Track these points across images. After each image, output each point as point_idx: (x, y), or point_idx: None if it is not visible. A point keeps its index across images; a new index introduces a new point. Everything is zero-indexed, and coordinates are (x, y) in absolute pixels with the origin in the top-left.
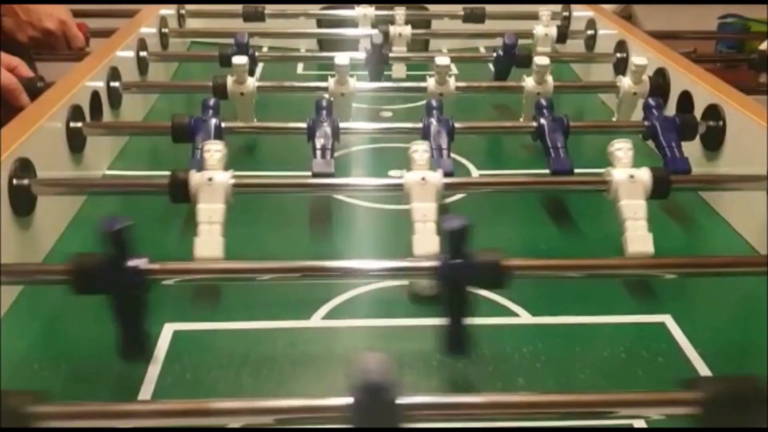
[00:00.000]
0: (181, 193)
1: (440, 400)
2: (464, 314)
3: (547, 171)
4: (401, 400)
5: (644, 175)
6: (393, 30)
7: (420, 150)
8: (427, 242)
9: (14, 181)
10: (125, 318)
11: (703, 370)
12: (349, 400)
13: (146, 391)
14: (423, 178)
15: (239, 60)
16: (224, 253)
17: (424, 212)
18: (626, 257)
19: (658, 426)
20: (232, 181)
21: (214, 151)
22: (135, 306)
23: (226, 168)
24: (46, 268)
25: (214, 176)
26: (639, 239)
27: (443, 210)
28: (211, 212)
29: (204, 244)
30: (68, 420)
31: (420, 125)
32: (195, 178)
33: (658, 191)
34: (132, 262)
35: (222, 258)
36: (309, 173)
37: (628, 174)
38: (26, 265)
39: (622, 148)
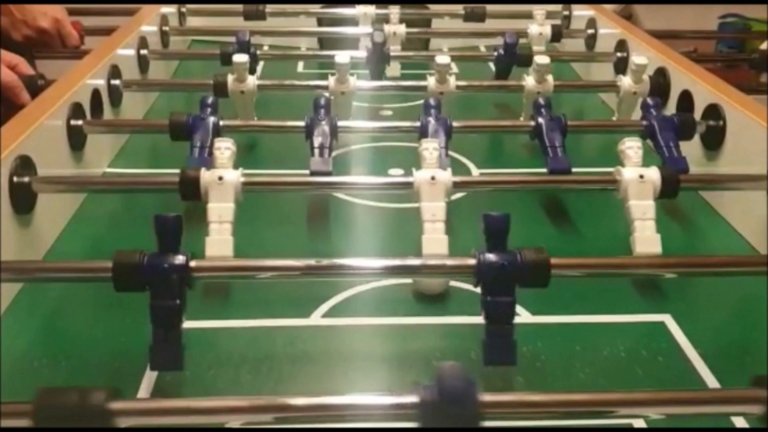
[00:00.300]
0: (191, 192)
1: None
2: (509, 317)
3: (543, 170)
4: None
5: (654, 174)
6: (387, 29)
7: (430, 148)
8: (436, 242)
9: (15, 179)
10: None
11: (703, 370)
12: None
13: (145, 389)
14: (433, 177)
15: (240, 58)
16: (233, 251)
17: (433, 212)
18: (626, 256)
19: (657, 426)
20: (243, 179)
21: (224, 148)
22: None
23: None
24: (89, 265)
25: (224, 175)
26: (647, 240)
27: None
28: (221, 211)
29: (214, 244)
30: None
31: (418, 124)
32: (206, 176)
33: (667, 191)
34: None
35: (232, 257)
36: (307, 171)
37: (638, 174)
38: (35, 262)
39: (632, 147)
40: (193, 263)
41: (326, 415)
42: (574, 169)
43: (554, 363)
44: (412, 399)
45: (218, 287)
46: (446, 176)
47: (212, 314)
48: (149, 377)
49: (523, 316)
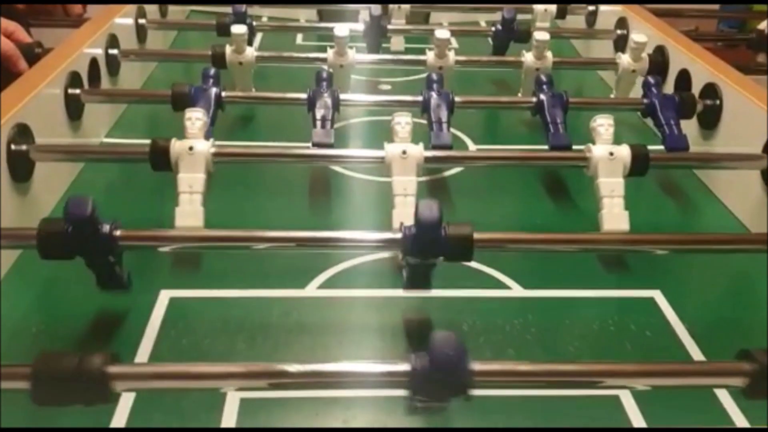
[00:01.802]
0: (161, 162)
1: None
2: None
3: (541, 146)
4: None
5: (624, 152)
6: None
7: (402, 122)
8: (406, 216)
9: (12, 147)
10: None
11: (690, 345)
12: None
13: (143, 356)
14: (404, 152)
15: (238, 29)
16: (204, 222)
17: (404, 186)
18: (615, 233)
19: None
20: (213, 150)
21: (195, 119)
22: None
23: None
24: (17, 232)
25: (195, 145)
26: (615, 217)
27: (441, 183)
28: (191, 181)
29: (184, 214)
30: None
31: (420, 98)
32: (176, 146)
33: (637, 169)
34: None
35: (202, 227)
36: (307, 144)
37: (608, 151)
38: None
39: (603, 124)
40: (118, 233)
41: (319, 381)
42: (573, 146)
43: (544, 336)
44: (404, 367)
45: (213, 257)
46: (418, 150)
47: (209, 284)
48: (146, 344)
49: (514, 289)
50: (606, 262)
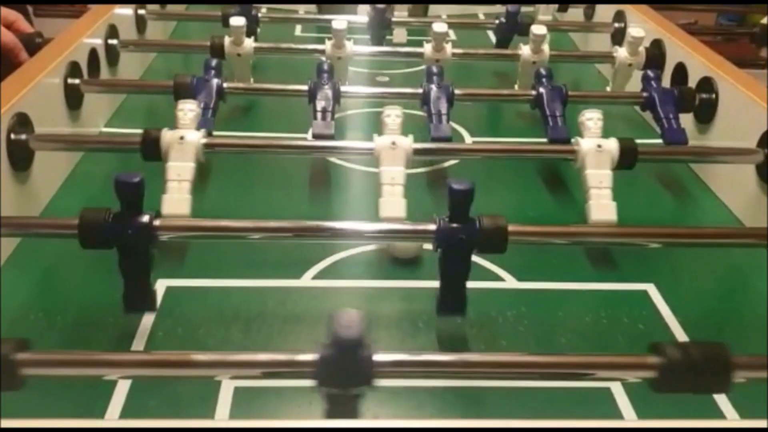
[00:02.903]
0: (152, 151)
1: (412, 357)
2: (463, 275)
3: (539, 139)
4: (374, 357)
5: (611, 145)
6: None
7: (393, 114)
8: (393, 205)
9: (12, 136)
10: (131, 271)
11: (682, 337)
12: (317, 355)
13: (139, 344)
14: (393, 143)
15: (237, 21)
16: (191, 210)
17: (392, 176)
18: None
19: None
20: (204, 140)
21: (188, 110)
22: (142, 260)
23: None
24: (54, 221)
25: (185, 135)
26: (602, 207)
27: (439, 174)
28: (180, 170)
29: (171, 202)
30: (55, 368)
31: (420, 90)
32: (167, 136)
33: (625, 162)
34: (139, 217)
35: (188, 216)
36: (305, 135)
37: (595, 144)
38: (32, 218)
39: (592, 118)
40: (157, 222)
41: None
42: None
43: (537, 328)
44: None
45: (210, 247)
46: (407, 142)
47: (205, 273)
48: (142, 333)
49: (508, 281)
50: (600, 256)
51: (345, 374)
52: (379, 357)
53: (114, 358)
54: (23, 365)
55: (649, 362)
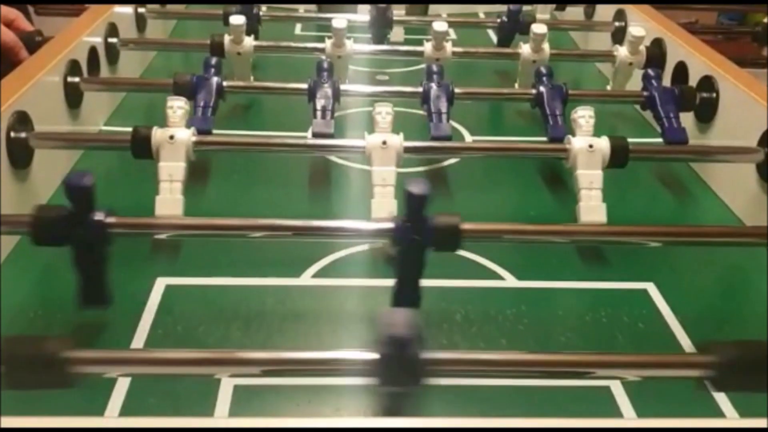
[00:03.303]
0: (142, 149)
1: (462, 356)
2: (418, 273)
3: (538, 138)
4: (426, 356)
5: (602, 144)
6: None
7: (383, 112)
8: (385, 206)
9: (12, 134)
10: (86, 269)
11: (682, 337)
12: (374, 354)
13: (138, 342)
14: (384, 142)
15: (236, 20)
16: (183, 211)
17: (384, 176)
18: (610, 225)
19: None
20: (194, 138)
21: (177, 107)
22: (97, 258)
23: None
24: (10, 218)
25: (175, 134)
26: (592, 209)
27: (438, 173)
28: (171, 170)
29: (164, 203)
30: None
31: (420, 89)
32: (157, 134)
33: (616, 161)
34: (94, 216)
35: (182, 216)
36: (305, 134)
37: (587, 143)
38: None
39: (584, 116)
40: (111, 219)
41: (312, 369)
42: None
43: (536, 327)
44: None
45: (209, 245)
46: (397, 141)
47: (204, 271)
48: (142, 331)
49: (507, 280)
50: (600, 254)
51: (404, 373)
52: (435, 355)
53: (166, 356)
54: (72, 363)
55: (704, 361)
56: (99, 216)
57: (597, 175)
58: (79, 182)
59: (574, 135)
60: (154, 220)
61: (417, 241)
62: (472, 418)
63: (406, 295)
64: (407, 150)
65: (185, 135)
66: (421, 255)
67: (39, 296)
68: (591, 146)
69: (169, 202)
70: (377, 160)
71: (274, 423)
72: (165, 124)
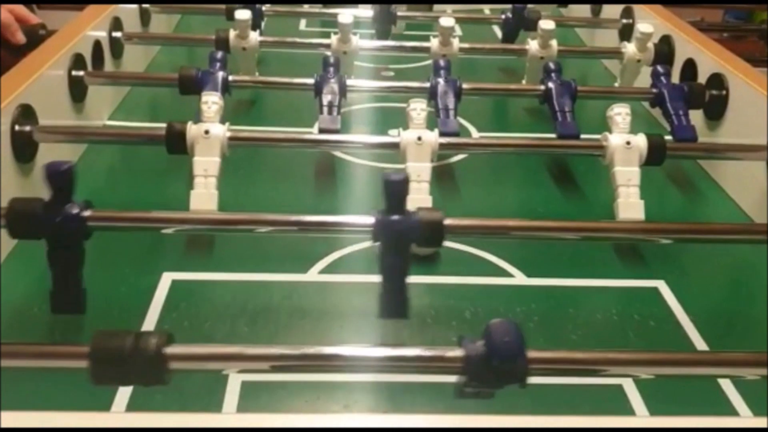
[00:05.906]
0: (177, 145)
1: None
2: (403, 271)
3: (545, 134)
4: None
5: (640, 141)
6: None
7: (418, 108)
8: (421, 202)
9: (16, 127)
10: (62, 267)
11: (693, 335)
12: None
13: None
14: (419, 138)
15: (242, 15)
16: (218, 206)
17: (419, 172)
18: (620, 221)
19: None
20: (229, 134)
21: (212, 103)
22: (73, 256)
23: (223, 121)
24: None
25: (210, 129)
26: (631, 206)
27: (446, 169)
28: (206, 165)
29: (199, 197)
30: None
31: (427, 85)
32: (192, 130)
33: (653, 158)
34: (71, 208)
35: (216, 210)
36: (310, 129)
37: (624, 140)
38: None
39: (620, 113)
40: (87, 213)
41: (322, 365)
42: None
43: (547, 324)
44: (458, 353)
45: (216, 240)
46: (433, 137)
47: (211, 266)
48: (148, 326)
49: (518, 277)
50: (610, 252)
51: (499, 376)
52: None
53: (273, 352)
54: (172, 360)
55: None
56: (75, 209)
57: (634, 171)
58: (59, 168)
59: (610, 132)
60: (139, 213)
61: (401, 235)
62: (483, 416)
63: (393, 300)
64: (442, 146)
65: (220, 130)
66: (406, 250)
67: (39, 296)
68: (628, 143)
69: (205, 196)
70: (412, 156)
71: (283, 420)
72: (197, 119)
